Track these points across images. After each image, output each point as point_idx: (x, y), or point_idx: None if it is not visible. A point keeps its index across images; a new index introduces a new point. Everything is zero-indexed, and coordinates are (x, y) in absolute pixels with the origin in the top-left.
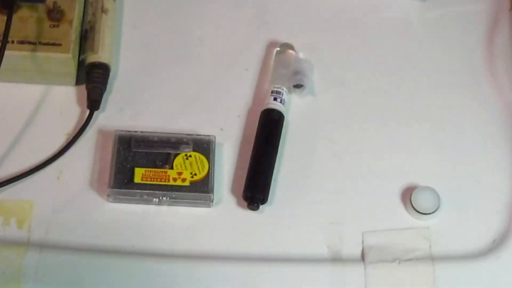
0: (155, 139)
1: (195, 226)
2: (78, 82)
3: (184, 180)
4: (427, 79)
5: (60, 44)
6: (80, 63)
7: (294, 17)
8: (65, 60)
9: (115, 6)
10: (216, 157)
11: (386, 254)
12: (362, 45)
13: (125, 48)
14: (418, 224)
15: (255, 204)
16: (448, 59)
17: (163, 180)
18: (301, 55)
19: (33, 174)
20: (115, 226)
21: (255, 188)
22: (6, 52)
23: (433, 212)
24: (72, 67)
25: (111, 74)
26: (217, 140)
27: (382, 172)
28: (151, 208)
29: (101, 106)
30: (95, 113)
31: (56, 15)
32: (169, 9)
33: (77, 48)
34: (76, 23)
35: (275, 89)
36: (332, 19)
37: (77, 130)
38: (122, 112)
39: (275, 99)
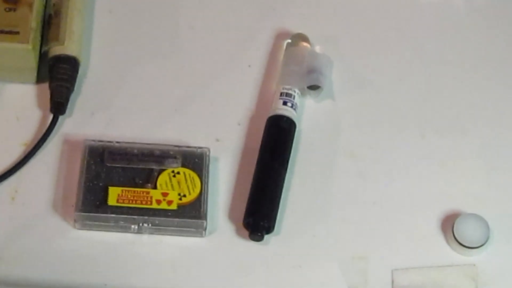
0: (135, 151)
1: (184, 261)
2: (39, 80)
3: (170, 202)
4: (475, 80)
5: (17, 32)
6: (42, 56)
7: (308, 1)
8: (23, 52)
9: None
10: (210, 175)
11: None
12: (394, 36)
13: (98, 38)
14: (462, 260)
15: (259, 234)
16: (501, 55)
17: (144, 202)
18: (317, 48)
19: None
20: (84, 259)
21: (259, 214)
22: None
23: (480, 246)
24: (32, 61)
25: (80, 70)
26: (212, 154)
27: (418, 195)
28: (128, 237)
29: (68, 109)
30: (60, 118)
31: None
32: None
33: (39, 38)
34: (37, 6)
35: (285, 91)
36: (356, 4)
37: (38, 139)
38: (94, 117)
39: (284, 103)
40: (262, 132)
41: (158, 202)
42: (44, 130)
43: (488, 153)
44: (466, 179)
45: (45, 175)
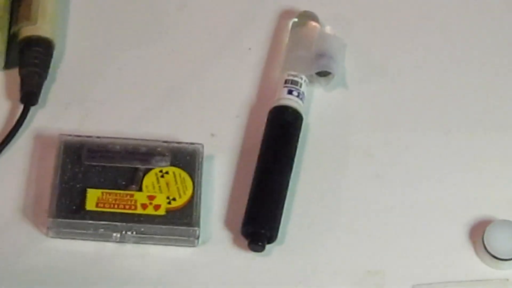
0: (117, 148)
1: (173, 273)
2: (8, 65)
3: (157, 207)
4: (508, 67)
5: None
6: (11, 38)
7: None
8: None
9: None
10: (204, 175)
11: None
12: (415, 17)
13: (75, 17)
14: (494, 274)
15: (259, 243)
16: None
17: (127, 207)
18: (327, 29)
19: None
20: (58, 271)
21: (260, 221)
22: None
23: None
24: None
25: (55, 54)
26: (206, 151)
27: (442, 200)
28: (109, 247)
29: (40, 99)
30: (32, 109)
31: None
32: None
33: (7, 17)
34: None
35: (291, 78)
36: None
37: (6, 133)
38: (70, 108)
39: (290, 92)
40: (263, 125)
41: (144, 206)
42: (13, 123)
43: None
44: (498, 181)
45: (14, 175)
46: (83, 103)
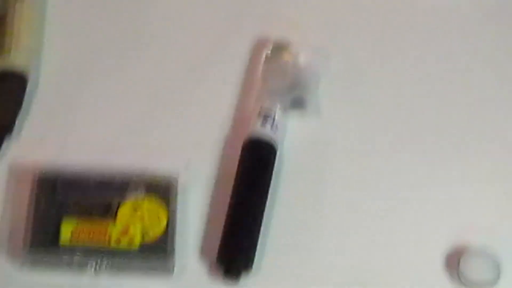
0: (91, 180)
1: None
2: None
3: (132, 239)
4: (486, 92)
5: None
6: None
7: (293, 4)
8: None
9: None
10: (179, 206)
11: None
12: (391, 44)
13: (49, 48)
14: None
15: (235, 274)
16: None
17: (102, 239)
18: (302, 58)
19: None
20: None
21: (235, 250)
22: None
23: (490, 286)
24: None
25: (29, 85)
26: (181, 181)
27: (419, 227)
28: (84, 279)
29: (15, 131)
30: (7, 141)
31: None
32: None
33: None
34: None
35: (265, 109)
36: (347, 7)
37: None
38: (45, 141)
39: (264, 123)
40: (238, 155)
41: (118, 240)
42: None
43: (500, 177)
44: (474, 208)
45: None
46: (58, 135)
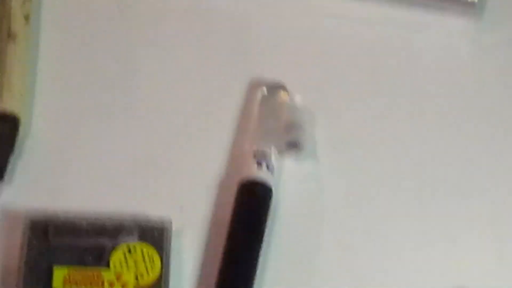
0: (84, 225)
1: None
2: None
3: (125, 286)
4: (482, 137)
5: None
6: None
7: (287, 45)
8: None
9: (28, 30)
10: (172, 251)
11: None
12: (387, 87)
13: (42, 92)
14: None
15: None
16: None
17: (94, 285)
18: (297, 99)
19: None
20: None
21: None
22: None
23: None
24: None
25: (21, 129)
26: (175, 226)
27: (416, 273)
28: None
29: (6, 175)
30: None
31: None
32: (106, 35)
33: None
34: None
35: (260, 151)
36: (343, 49)
37: None
38: (37, 185)
39: (259, 165)
40: (233, 198)
41: (111, 285)
42: None
43: (499, 221)
44: (473, 252)
45: None
46: (50, 179)
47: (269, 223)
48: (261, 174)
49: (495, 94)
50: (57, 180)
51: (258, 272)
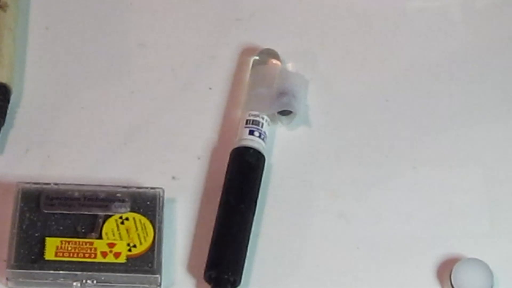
0: (76, 194)
1: None
2: None
3: (118, 254)
4: (477, 100)
5: None
6: None
7: (279, 11)
8: None
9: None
10: (165, 220)
11: None
12: (380, 50)
13: (33, 61)
14: None
15: None
16: (508, 70)
17: (87, 255)
18: (289, 66)
19: None
20: None
21: (223, 265)
22: None
23: None
24: None
25: (12, 98)
26: (167, 195)
27: (409, 238)
28: None
29: None
30: None
31: None
32: (96, 3)
33: None
34: None
35: (252, 118)
36: (335, 13)
37: None
38: (28, 154)
39: (251, 132)
40: (225, 167)
41: (104, 254)
42: None
43: (491, 188)
44: (466, 218)
45: None
46: (41, 149)
47: (261, 189)
48: (254, 141)
49: (487, 57)
50: (48, 150)
51: (251, 237)
